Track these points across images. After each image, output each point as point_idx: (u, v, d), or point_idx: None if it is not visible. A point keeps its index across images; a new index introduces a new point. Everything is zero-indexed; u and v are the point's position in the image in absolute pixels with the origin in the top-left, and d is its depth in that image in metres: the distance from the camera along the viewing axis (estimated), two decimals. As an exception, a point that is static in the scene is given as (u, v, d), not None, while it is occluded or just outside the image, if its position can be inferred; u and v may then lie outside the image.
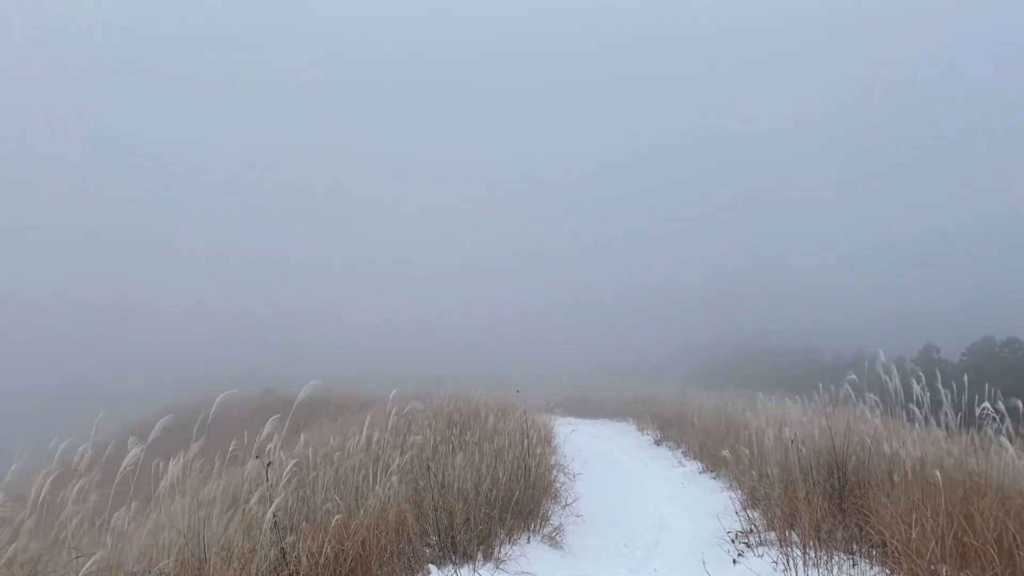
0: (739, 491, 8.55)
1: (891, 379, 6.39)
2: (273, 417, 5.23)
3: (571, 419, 19.30)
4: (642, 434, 16.24)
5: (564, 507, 8.43)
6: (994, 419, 5.62)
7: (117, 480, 4.36)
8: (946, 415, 5.92)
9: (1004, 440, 5.05)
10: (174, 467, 4.68)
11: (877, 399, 6.80)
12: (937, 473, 4.71)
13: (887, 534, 4.95)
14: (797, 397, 11.50)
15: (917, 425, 6.38)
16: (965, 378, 6.33)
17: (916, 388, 6.15)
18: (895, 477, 5.54)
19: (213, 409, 4.69)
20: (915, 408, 6.35)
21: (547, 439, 11.33)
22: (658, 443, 14.58)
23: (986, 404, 5.72)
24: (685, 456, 12.50)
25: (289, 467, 5.10)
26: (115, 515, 4.41)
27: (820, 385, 9.18)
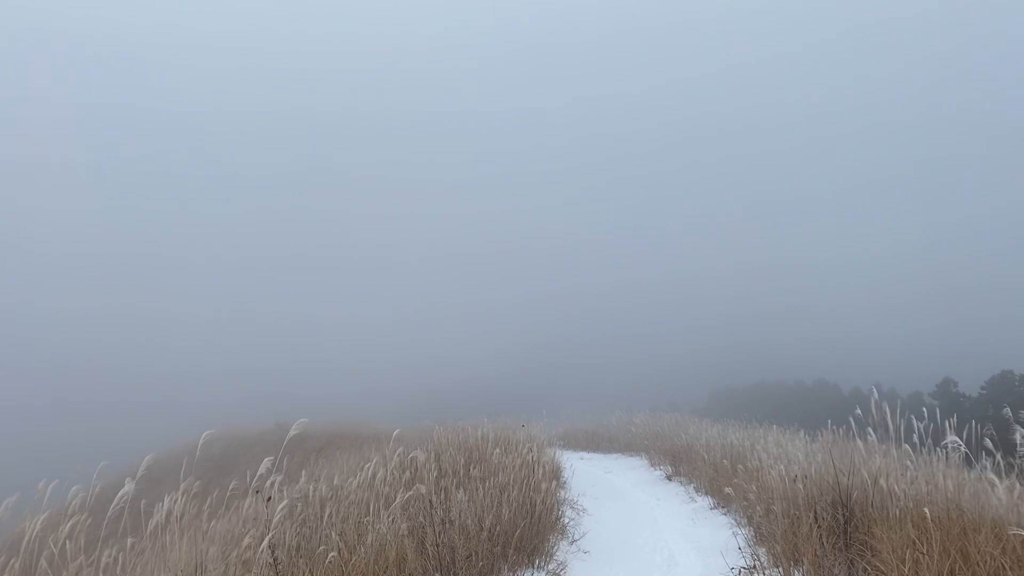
0: (747, 527, 8.49)
1: (892, 414, 6.37)
2: (268, 457, 5.25)
3: (583, 453, 19.20)
4: (654, 469, 16.10)
5: (571, 543, 8.38)
6: (991, 454, 5.59)
7: (114, 519, 4.39)
8: (946, 450, 5.88)
9: (991, 475, 5.03)
10: (171, 504, 4.71)
11: (882, 434, 6.76)
12: (926, 510, 4.69)
13: (885, 571, 4.92)
14: (808, 431, 11.43)
15: (920, 460, 6.35)
16: (970, 417, 6.30)
17: (917, 424, 6.12)
18: (893, 513, 5.51)
19: (198, 452, 4.73)
20: (918, 442, 6.33)
21: (555, 474, 11.28)
22: (670, 478, 14.45)
23: (986, 439, 5.69)
24: (697, 492, 12.38)
25: (284, 503, 5.13)
26: (106, 553, 4.43)
27: (831, 420, 9.14)
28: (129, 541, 4.55)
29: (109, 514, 4.53)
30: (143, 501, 4.97)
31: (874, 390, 6.62)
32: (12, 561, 4.12)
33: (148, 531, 4.72)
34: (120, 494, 4.30)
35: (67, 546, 4.23)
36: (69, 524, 4.23)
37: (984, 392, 47.58)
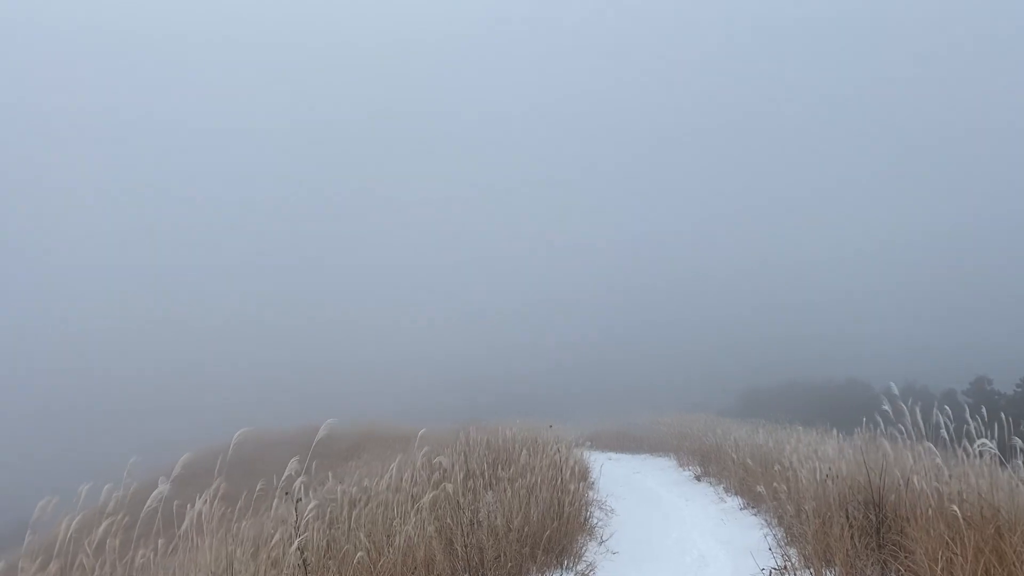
0: (778, 527, 8.42)
1: (925, 412, 6.28)
2: (296, 458, 5.30)
3: (611, 454, 19.16)
4: (683, 469, 16.04)
5: (600, 543, 8.36)
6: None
7: (147, 520, 4.45)
8: (979, 449, 5.78)
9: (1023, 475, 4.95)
10: (202, 507, 4.77)
11: (913, 432, 6.66)
12: (955, 508, 4.62)
13: (919, 572, 4.86)
14: (840, 430, 11.30)
15: (952, 458, 6.25)
16: (1006, 416, 6.19)
17: (946, 422, 6.03)
18: (926, 513, 5.43)
19: (230, 452, 4.77)
20: (947, 440, 6.24)
21: (583, 474, 11.27)
22: (699, 478, 14.38)
23: (1015, 438, 5.60)
24: (726, 492, 12.30)
25: (313, 505, 5.17)
26: (140, 554, 4.49)
27: (864, 418, 9.02)
28: (160, 542, 4.61)
29: (143, 514, 4.60)
30: (175, 502, 5.04)
31: (892, 386, 6.53)
32: (51, 565, 4.18)
33: (181, 532, 4.78)
34: (154, 494, 4.36)
35: (107, 545, 4.30)
36: (104, 524, 4.29)
37: (1020, 390, 46.76)
